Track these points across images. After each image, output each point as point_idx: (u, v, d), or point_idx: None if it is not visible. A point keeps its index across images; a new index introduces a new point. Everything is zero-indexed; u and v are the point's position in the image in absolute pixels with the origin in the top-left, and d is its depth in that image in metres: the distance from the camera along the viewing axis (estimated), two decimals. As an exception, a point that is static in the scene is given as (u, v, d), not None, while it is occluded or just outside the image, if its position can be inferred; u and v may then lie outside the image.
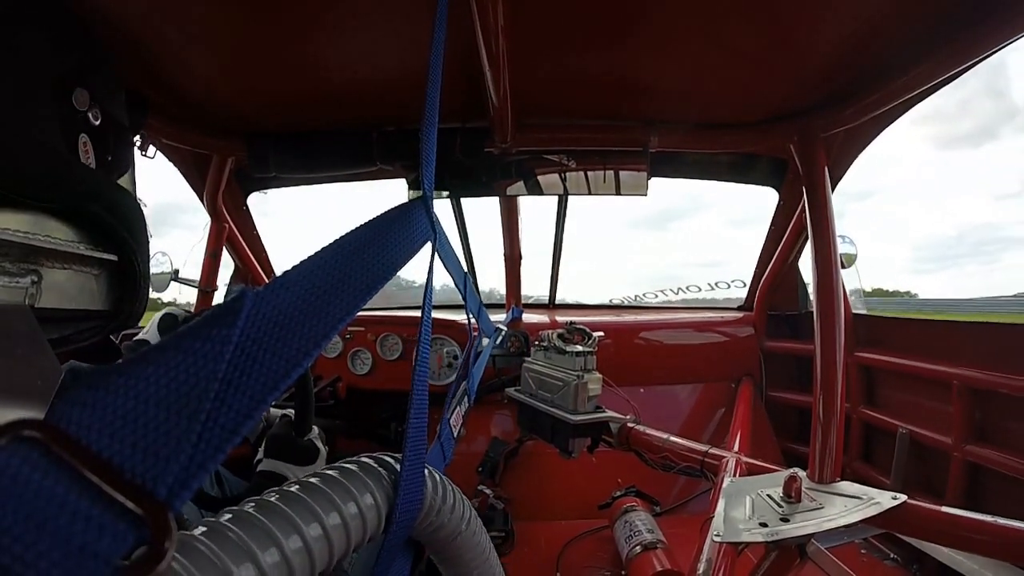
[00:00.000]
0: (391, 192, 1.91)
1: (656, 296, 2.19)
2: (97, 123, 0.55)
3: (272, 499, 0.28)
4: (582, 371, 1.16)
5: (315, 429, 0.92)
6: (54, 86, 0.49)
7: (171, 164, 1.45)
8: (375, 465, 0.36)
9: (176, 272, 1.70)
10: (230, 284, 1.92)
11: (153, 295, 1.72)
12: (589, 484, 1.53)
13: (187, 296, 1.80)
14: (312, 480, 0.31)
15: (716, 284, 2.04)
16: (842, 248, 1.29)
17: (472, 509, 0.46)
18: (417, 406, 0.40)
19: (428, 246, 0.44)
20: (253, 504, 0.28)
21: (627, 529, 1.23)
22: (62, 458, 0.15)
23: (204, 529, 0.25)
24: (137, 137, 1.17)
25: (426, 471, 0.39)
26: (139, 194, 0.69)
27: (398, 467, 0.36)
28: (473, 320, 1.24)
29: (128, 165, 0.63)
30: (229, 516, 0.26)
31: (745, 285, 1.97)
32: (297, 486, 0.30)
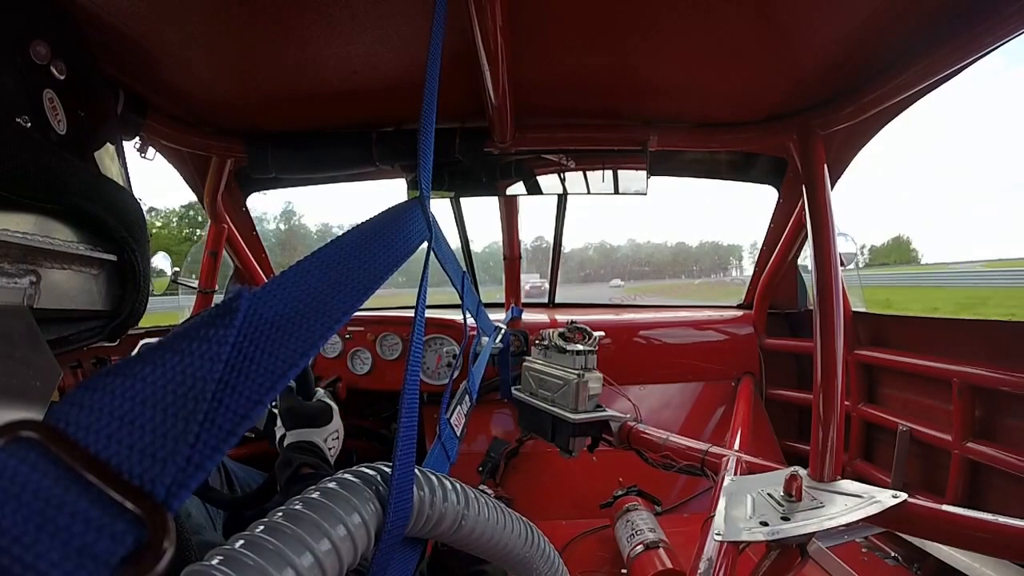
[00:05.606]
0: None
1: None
2: (62, 77, 0.51)
3: (258, 531, 0.28)
4: (583, 370, 1.16)
5: (319, 389, 0.99)
6: (7, 43, 0.45)
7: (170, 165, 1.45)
8: (357, 480, 0.35)
9: (176, 273, 1.70)
10: (229, 285, 1.92)
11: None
12: (590, 483, 1.53)
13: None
14: (296, 507, 0.31)
15: None
16: (841, 246, 1.29)
17: (471, 490, 0.44)
18: (407, 413, 0.38)
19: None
20: (242, 541, 0.28)
21: (629, 528, 1.22)
22: (61, 459, 0.15)
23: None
24: (136, 139, 1.18)
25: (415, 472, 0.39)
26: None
27: (381, 478, 0.35)
28: (471, 319, 1.24)
29: (109, 132, 0.58)
30: (220, 559, 0.26)
31: None
32: (281, 514, 0.30)
